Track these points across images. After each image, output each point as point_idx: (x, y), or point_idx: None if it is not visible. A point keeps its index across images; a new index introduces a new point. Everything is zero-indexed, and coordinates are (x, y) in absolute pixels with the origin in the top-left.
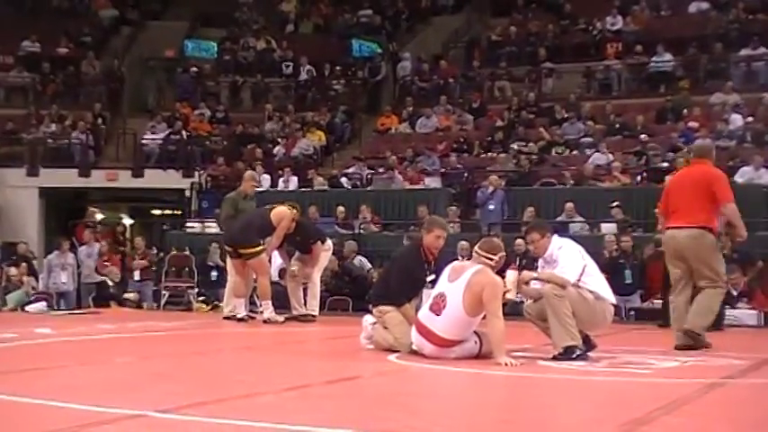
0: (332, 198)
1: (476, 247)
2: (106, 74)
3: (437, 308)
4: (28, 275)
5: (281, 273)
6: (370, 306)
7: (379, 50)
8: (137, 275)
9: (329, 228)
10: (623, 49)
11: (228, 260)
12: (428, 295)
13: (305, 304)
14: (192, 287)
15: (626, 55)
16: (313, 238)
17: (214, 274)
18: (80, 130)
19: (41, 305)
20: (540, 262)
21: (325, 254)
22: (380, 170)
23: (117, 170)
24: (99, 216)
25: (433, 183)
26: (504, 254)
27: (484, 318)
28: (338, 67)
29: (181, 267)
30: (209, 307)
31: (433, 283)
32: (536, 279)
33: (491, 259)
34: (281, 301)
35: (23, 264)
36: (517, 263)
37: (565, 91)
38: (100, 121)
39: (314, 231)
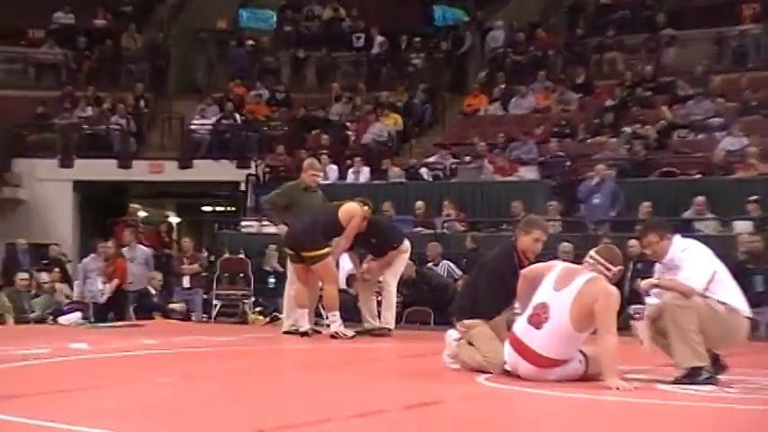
0: (410, 192)
1: (592, 252)
2: (149, 49)
3: (537, 320)
4: (61, 282)
5: (351, 280)
6: (454, 320)
7: (466, 18)
8: (185, 282)
9: (406, 227)
10: (762, 11)
11: (289, 265)
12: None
13: (378, 316)
14: (248, 296)
15: (766, 18)
16: (389, 240)
17: (272, 280)
18: (120, 115)
19: (76, 316)
20: (659, 268)
21: (402, 258)
22: (467, 159)
23: (162, 161)
24: (141, 214)
25: (529, 174)
26: (623, 267)
27: (594, 333)
28: (417, 39)
29: (235, 273)
30: (268, 319)
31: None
32: (656, 287)
33: (609, 269)
34: (350, 312)
35: (56, 269)
36: (630, 268)
37: (689, 63)
38: (142, 103)
39: (390, 231)
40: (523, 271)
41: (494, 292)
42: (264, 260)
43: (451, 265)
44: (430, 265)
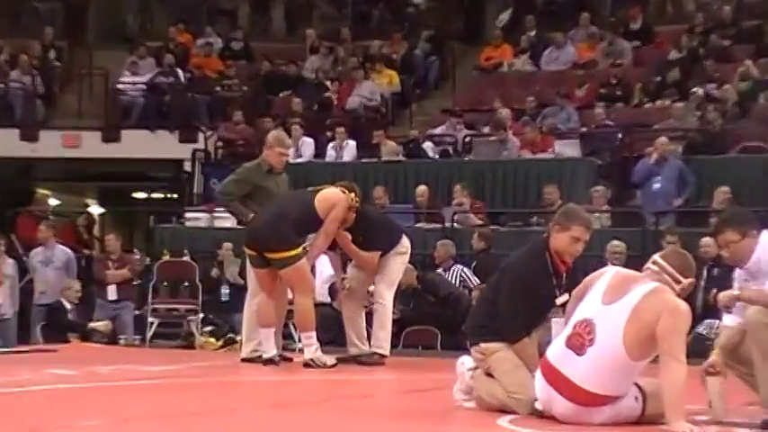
0: (409, 174)
1: (658, 257)
2: None
3: (579, 343)
4: None
5: (332, 290)
6: (468, 343)
7: None
8: (110, 293)
9: (405, 220)
10: None
11: (250, 270)
12: (558, 325)
13: (369, 338)
14: (195, 311)
15: None
16: (382, 237)
17: (227, 291)
18: (22, 70)
19: None
20: (740, 274)
21: (399, 260)
22: (485, 130)
23: (79, 131)
24: (52, 202)
25: (567, 149)
26: (694, 280)
27: (654, 362)
28: None
29: (177, 281)
30: (221, 342)
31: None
32: (738, 300)
33: (678, 282)
34: (331, 333)
35: None
36: (704, 276)
37: None
38: (52, 54)
39: (384, 226)
40: (575, 291)
41: (519, 307)
42: (217, 264)
43: (465, 270)
44: (439, 271)
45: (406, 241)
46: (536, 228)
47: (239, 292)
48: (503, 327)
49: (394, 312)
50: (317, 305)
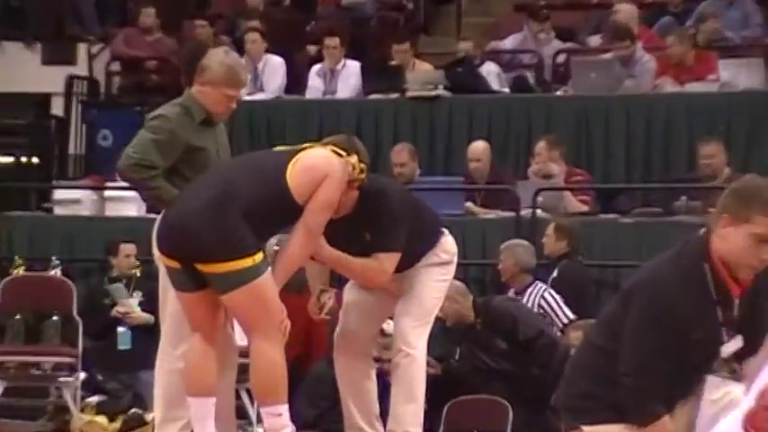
0: (457, 121)
1: None
2: None
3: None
4: None
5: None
6: (563, 426)
7: None
8: None
9: (448, 204)
10: None
11: (169, 295)
12: (717, 388)
13: (384, 417)
14: (72, 368)
15: None
16: (404, 233)
17: (128, 332)
18: None
19: None
20: None
21: (436, 276)
22: (591, 43)
23: None
24: None
25: (742, 75)
26: None
27: None
28: None
29: (39, 314)
30: (118, 424)
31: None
32: None
33: None
34: (322, 403)
35: None
36: None
37: None
38: None
39: (407, 214)
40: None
41: (656, 361)
42: (111, 284)
43: (552, 293)
44: (512, 293)
45: (448, 242)
46: (684, 218)
47: (150, 334)
48: (626, 397)
49: (430, 368)
50: (296, 363)
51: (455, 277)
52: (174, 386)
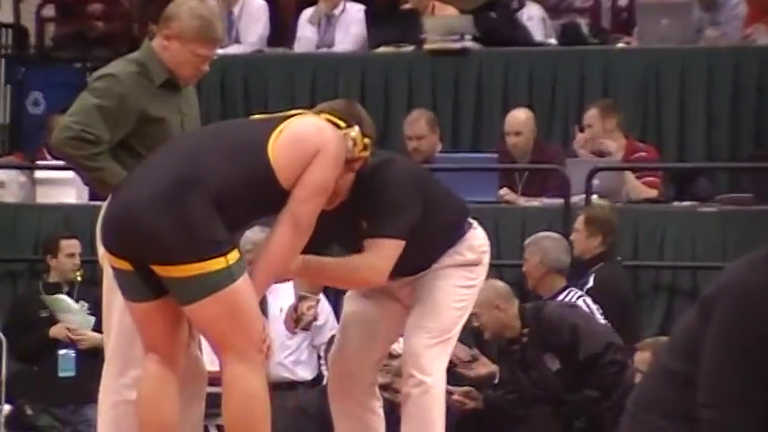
0: (488, 81)
1: None
2: None
3: None
4: None
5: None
6: None
7: None
8: None
9: (479, 187)
10: None
11: (113, 306)
12: None
13: None
14: None
15: None
16: (405, 217)
17: (71, 356)
18: None
19: None
20: None
21: (461, 279)
22: None
23: None
24: None
25: None
26: None
27: None
28: None
29: None
30: None
31: None
32: None
33: None
34: None
35: None
36: None
37: None
38: None
39: (422, 198)
40: None
41: (748, 388)
42: (46, 291)
43: (589, 303)
44: (565, 297)
45: (477, 237)
46: None
47: (96, 358)
48: (709, 427)
49: (469, 400)
50: (275, 387)
51: (495, 277)
52: (123, 422)
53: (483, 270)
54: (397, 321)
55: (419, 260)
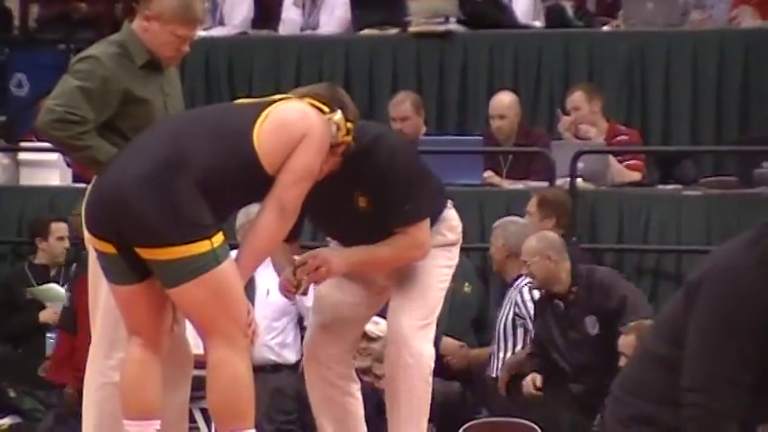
0: (473, 62)
1: None
2: None
3: None
4: None
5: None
6: None
7: None
8: None
9: (455, 170)
10: None
11: (99, 288)
12: None
13: None
14: None
15: None
16: (425, 189)
17: (56, 336)
18: None
19: None
20: None
21: (444, 258)
22: None
23: None
24: None
25: None
26: None
27: None
28: None
29: None
30: None
31: None
32: None
33: None
34: (277, 421)
35: None
36: None
37: None
38: None
39: (419, 166)
40: None
41: (732, 369)
42: (33, 274)
43: (532, 292)
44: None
45: (454, 218)
46: (766, 190)
47: (77, 334)
48: (689, 419)
49: (438, 383)
50: (259, 369)
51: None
52: (108, 405)
53: (458, 250)
54: (370, 302)
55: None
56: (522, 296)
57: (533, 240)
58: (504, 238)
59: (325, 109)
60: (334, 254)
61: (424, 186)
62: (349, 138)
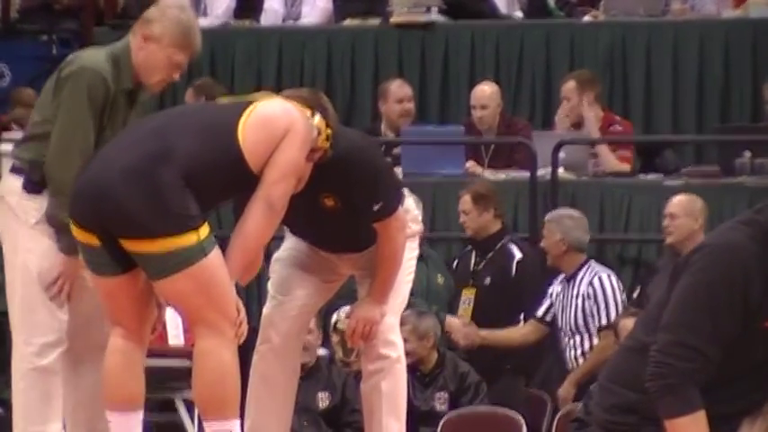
0: (455, 53)
1: None
2: None
3: None
4: None
5: None
6: None
7: None
8: None
9: (437, 160)
10: None
11: (16, 263)
12: None
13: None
14: None
15: None
16: (376, 199)
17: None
18: None
19: None
20: None
21: (409, 250)
22: None
23: None
24: None
25: None
26: None
27: None
28: None
29: None
30: None
31: None
32: None
33: None
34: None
35: None
36: None
37: None
38: None
39: (385, 163)
40: None
41: (707, 329)
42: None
43: (612, 278)
44: (561, 279)
45: (413, 205)
46: (748, 180)
47: None
48: (657, 368)
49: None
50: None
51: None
52: (34, 392)
53: (416, 242)
54: (326, 288)
55: (368, 237)
56: (602, 282)
57: (684, 198)
58: (562, 233)
59: (308, 112)
60: (369, 308)
61: (390, 178)
62: (327, 144)
